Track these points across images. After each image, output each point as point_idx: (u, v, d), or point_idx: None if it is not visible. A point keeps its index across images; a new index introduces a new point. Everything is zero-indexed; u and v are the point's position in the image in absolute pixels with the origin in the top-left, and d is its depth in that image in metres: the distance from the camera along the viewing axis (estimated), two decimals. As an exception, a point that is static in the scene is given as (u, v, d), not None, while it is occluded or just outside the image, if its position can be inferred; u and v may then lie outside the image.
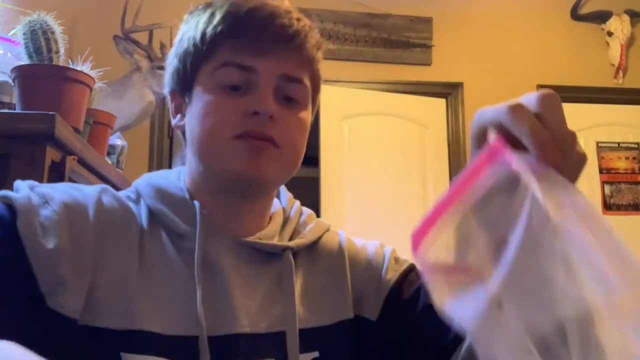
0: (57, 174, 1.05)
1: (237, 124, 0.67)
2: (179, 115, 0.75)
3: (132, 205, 0.70)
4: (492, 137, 0.44)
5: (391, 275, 0.76)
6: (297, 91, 0.71)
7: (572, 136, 0.45)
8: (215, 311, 0.64)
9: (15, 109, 1.20)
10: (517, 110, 0.44)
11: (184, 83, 0.72)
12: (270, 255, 0.72)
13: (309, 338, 0.69)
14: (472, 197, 0.42)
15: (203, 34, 0.69)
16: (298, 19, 0.70)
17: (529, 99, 0.45)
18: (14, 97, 1.20)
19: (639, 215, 3.54)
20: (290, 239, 0.76)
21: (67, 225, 0.60)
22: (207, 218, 0.69)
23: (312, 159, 3.64)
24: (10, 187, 0.62)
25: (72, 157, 1.13)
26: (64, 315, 0.57)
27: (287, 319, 0.68)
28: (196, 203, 0.70)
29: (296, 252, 0.74)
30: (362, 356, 0.73)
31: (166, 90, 0.77)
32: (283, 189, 0.83)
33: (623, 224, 3.50)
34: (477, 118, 0.48)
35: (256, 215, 0.74)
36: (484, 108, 0.47)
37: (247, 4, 0.69)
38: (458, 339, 0.67)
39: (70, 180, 1.11)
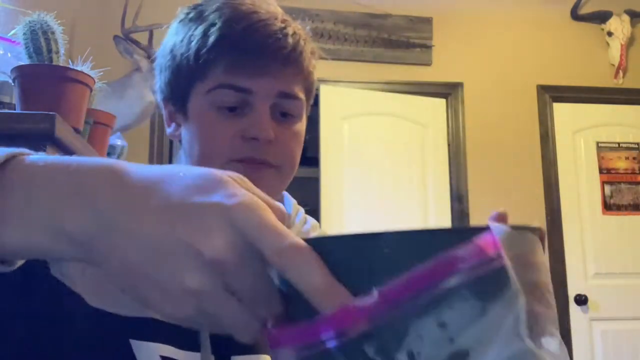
0: (57, 174, 1.05)
1: (235, 148, 0.67)
2: (173, 124, 0.74)
3: None
4: None
5: None
6: (294, 107, 0.71)
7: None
8: None
9: (15, 109, 1.20)
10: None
11: (178, 96, 0.72)
12: None
13: None
14: None
15: (197, 54, 0.68)
16: (293, 34, 0.69)
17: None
18: (14, 97, 1.20)
19: (639, 215, 3.54)
20: None
21: None
22: None
23: (312, 159, 3.64)
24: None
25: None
26: (69, 288, 0.56)
27: None
28: None
29: None
30: None
31: (158, 98, 0.77)
32: (287, 195, 0.83)
33: (623, 224, 3.50)
34: None
35: None
36: None
37: (241, 22, 0.67)
38: None
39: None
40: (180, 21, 0.72)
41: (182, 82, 0.70)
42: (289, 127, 0.71)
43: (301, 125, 0.73)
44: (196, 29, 0.69)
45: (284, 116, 0.70)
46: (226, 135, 0.67)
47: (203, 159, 0.69)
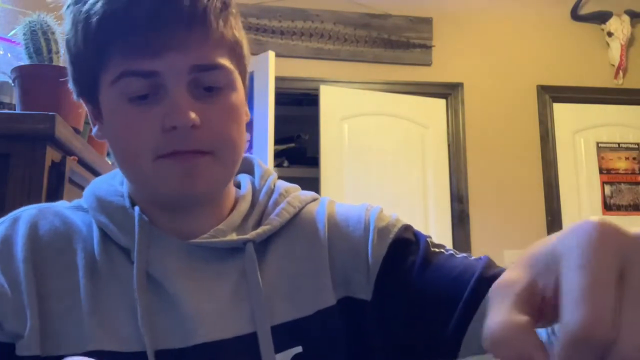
0: (57, 174, 1.05)
1: (157, 142, 0.58)
2: (97, 124, 0.65)
3: (80, 218, 0.65)
4: None
5: (377, 254, 0.67)
6: (217, 77, 0.59)
7: None
8: (166, 324, 0.59)
9: (15, 109, 1.20)
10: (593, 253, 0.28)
11: (88, 91, 0.63)
12: (232, 250, 0.63)
13: (289, 332, 0.62)
14: None
15: (86, 43, 0.58)
16: None
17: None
18: (14, 98, 1.20)
19: (639, 215, 3.54)
20: (259, 226, 0.66)
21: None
22: (148, 225, 0.63)
23: (312, 159, 3.64)
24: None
25: (72, 157, 1.13)
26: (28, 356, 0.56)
27: (256, 318, 0.60)
28: (136, 209, 0.63)
29: (269, 238, 0.66)
30: (358, 339, 0.65)
31: (74, 97, 0.66)
32: (257, 162, 0.73)
33: (623, 224, 3.47)
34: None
35: (208, 213, 0.65)
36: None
37: None
38: (473, 296, 0.59)
39: (70, 180, 1.11)
40: (67, 7, 0.60)
41: (85, 75, 0.61)
42: (218, 101, 0.59)
43: (236, 96, 0.61)
44: (80, 12, 0.57)
45: (209, 90, 0.59)
46: (145, 128, 0.58)
47: (130, 160, 0.60)
